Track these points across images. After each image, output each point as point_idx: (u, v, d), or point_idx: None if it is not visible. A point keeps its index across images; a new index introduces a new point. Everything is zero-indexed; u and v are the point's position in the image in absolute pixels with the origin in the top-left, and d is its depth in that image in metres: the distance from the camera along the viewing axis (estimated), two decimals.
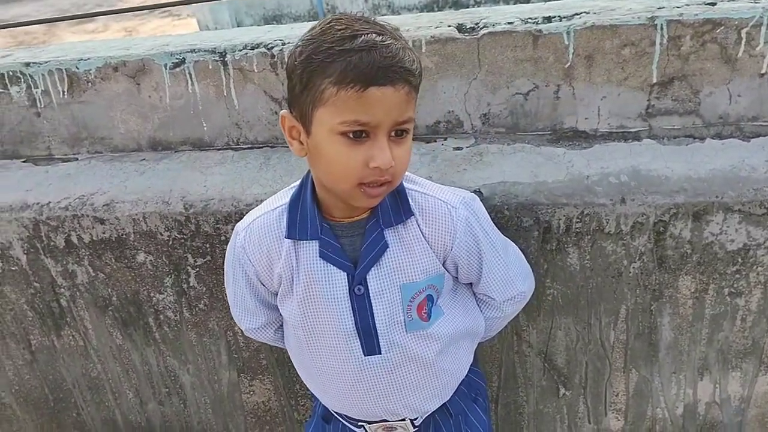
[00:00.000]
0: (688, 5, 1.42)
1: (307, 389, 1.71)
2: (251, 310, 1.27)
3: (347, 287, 1.13)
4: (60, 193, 1.65)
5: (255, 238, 1.17)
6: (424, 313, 1.16)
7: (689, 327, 1.49)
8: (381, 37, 0.93)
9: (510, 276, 1.23)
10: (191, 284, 1.63)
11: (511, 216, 1.40)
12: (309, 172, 1.13)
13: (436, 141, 1.59)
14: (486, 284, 1.21)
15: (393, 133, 0.98)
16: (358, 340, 1.15)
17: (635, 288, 1.46)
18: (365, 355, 1.16)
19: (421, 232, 1.13)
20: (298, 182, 1.17)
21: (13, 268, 1.69)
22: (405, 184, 1.14)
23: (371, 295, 1.13)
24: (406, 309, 1.14)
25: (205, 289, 1.63)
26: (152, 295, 1.67)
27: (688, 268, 1.42)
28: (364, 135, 0.96)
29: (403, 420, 1.24)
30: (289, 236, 1.13)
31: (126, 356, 1.79)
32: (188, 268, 1.60)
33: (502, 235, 1.26)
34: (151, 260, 1.61)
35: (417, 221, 1.12)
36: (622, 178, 1.40)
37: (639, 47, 1.42)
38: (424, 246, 1.13)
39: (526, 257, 1.41)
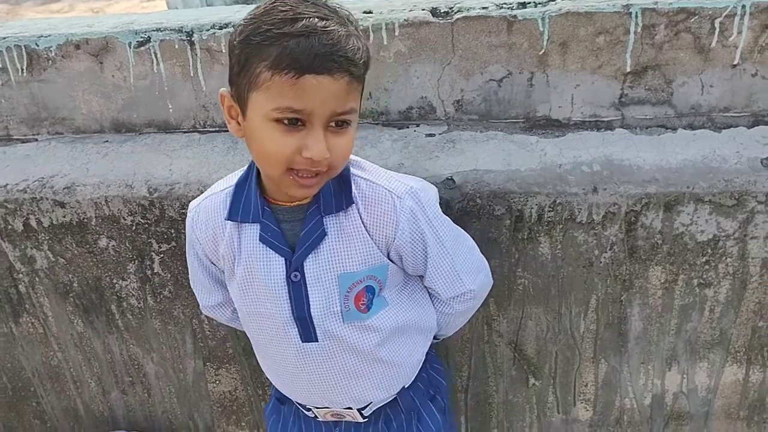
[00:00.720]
0: None
1: None
2: (206, 287, 1.27)
3: (284, 273, 1.10)
4: (18, 175, 1.59)
5: (202, 218, 1.17)
6: (362, 304, 1.13)
7: (658, 317, 1.49)
8: (324, 23, 0.90)
9: (457, 272, 1.18)
10: (155, 271, 1.58)
11: (483, 204, 1.38)
12: None
13: (408, 127, 1.57)
14: (431, 279, 1.18)
15: (333, 124, 0.95)
16: (295, 326, 1.13)
17: (606, 278, 1.45)
18: (302, 342, 1.14)
19: (362, 222, 1.09)
20: (248, 164, 1.14)
21: None
22: (352, 170, 1.10)
23: (307, 282, 1.10)
24: (344, 299, 1.12)
25: (169, 275, 1.59)
26: (115, 281, 1.62)
27: (658, 259, 1.42)
28: (299, 123, 0.93)
29: (349, 408, 1.23)
30: (229, 218, 1.11)
31: (87, 344, 1.74)
32: (152, 254, 1.56)
33: (455, 228, 1.21)
34: (113, 245, 1.57)
35: (359, 210, 1.09)
36: (595, 167, 1.39)
37: (613, 35, 1.40)
38: (364, 236, 1.10)
39: (497, 246, 1.39)
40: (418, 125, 1.57)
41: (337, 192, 1.08)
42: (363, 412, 1.24)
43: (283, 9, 0.91)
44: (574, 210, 1.38)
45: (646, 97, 1.46)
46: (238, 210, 1.11)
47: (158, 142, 1.65)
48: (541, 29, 1.42)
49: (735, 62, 1.41)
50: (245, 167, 1.15)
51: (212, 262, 1.21)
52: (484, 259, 1.28)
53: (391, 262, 1.14)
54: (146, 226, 1.53)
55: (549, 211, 1.38)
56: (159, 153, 1.60)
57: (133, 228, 1.53)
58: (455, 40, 1.46)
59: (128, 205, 1.51)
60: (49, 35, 1.60)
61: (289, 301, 1.12)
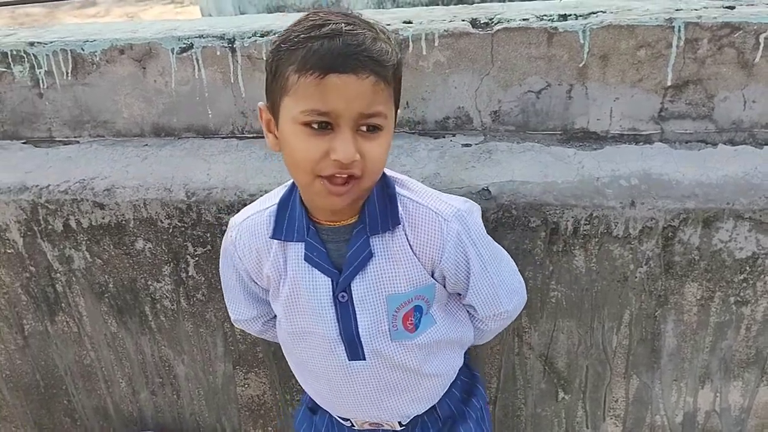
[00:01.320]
0: (706, 8, 1.40)
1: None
2: (242, 302, 1.26)
3: (331, 293, 1.10)
4: (60, 176, 1.62)
5: (245, 236, 1.15)
6: (410, 323, 1.13)
7: (693, 334, 1.48)
8: (350, 27, 0.90)
9: (497, 293, 1.18)
10: (190, 273, 1.60)
11: (518, 215, 1.38)
12: None
13: (444, 137, 1.57)
14: (471, 298, 1.17)
15: (364, 128, 0.94)
16: (342, 345, 1.13)
17: (640, 293, 1.44)
18: (349, 360, 1.13)
19: (408, 243, 1.08)
20: (290, 181, 1.13)
21: (9, 251, 1.66)
22: (397, 189, 1.09)
23: (355, 303, 1.10)
24: (392, 319, 1.11)
25: (203, 279, 1.60)
26: (149, 283, 1.64)
27: (694, 275, 1.40)
28: (328, 127, 0.92)
29: (389, 423, 1.23)
30: (274, 236, 1.10)
31: (120, 344, 1.76)
32: (188, 257, 1.58)
33: (497, 248, 1.21)
34: (150, 248, 1.59)
35: (405, 231, 1.08)
36: (633, 181, 1.38)
37: (655, 49, 1.40)
38: (411, 257, 1.09)
39: (531, 258, 1.39)
40: (454, 135, 1.58)
41: (383, 212, 1.07)
42: (401, 421, 1.24)
43: (314, 18, 0.92)
44: (611, 224, 1.37)
45: (687, 111, 1.45)
46: (282, 229, 1.10)
47: (197, 147, 1.67)
48: (582, 41, 1.42)
49: None
50: (286, 185, 1.15)
51: (254, 281, 1.20)
52: (522, 279, 1.27)
53: (435, 282, 1.14)
54: (183, 229, 1.54)
55: (585, 224, 1.38)
56: (197, 158, 1.62)
57: (170, 231, 1.55)
58: (494, 51, 1.46)
59: (166, 209, 1.53)
60: (95, 40, 1.63)
61: (336, 320, 1.11)
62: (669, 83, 1.43)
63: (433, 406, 1.26)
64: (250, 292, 1.24)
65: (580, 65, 1.44)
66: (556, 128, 1.52)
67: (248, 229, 1.15)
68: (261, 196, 1.45)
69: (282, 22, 1.63)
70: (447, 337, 1.19)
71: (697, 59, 1.39)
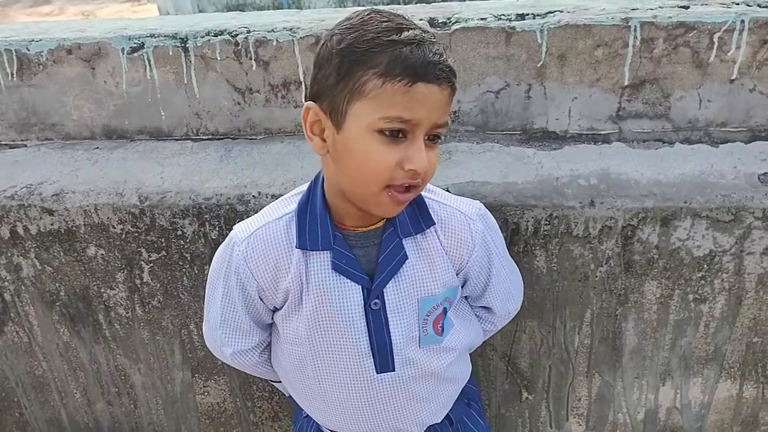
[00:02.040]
0: (661, 8, 1.41)
1: (265, 390, 1.66)
2: (244, 329, 1.16)
3: (362, 302, 1.06)
4: (6, 182, 1.56)
5: (260, 249, 1.07)
6: (440, 326, 1.12)
7: (653, 332, 1.49)
8: (426, 34, 0.89)
9: (511, 291, 1.22)
10: (144, 280, 1.56)
11: None
12: (318, 177, 1.06)
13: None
14: (490, 298, 1.19)
15: (427, 137, 0.92)
16: (371, 357, 1.09)
17: (601, 292, 1.44)
18: (378, 373, 1.10)
19: (440, 243, 1.08)
20: (302, 188, 1.09)
21: None
22: (422, 193, 1.07)
23: (388, 309, 1.06)
24: (422, 323, 1.09)
25: (159, 285, 1.56)
26: (103, 290, 1.59)
27: (654, 273, 1.41)
28: (400, 135, 0.90)
29: None
30: (300, 246, 1.04)
31: (73, 354, 1.71)
32: (142, 263, 1.53)
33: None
34: (102, 254, 1.54)
35: (437, 231, 1.07)
36: (592, 180, 1.38)
37: (612, 48, 1.40)
38: (443, 257, 1.08)
39: None
40: None
41: (412, 214, 1.05)
42: None
43: (383, 20, 0.88)
44: (571, 223, 1.37)
45: (644, 110, 1.46)
46: (305, 237, 1.04)
47: (150, 150, 1.62)
48: (540, 41, 1.41)
49: (733, 77, 1.41)
50: (296, 193, 1.10)
51: (262, 299, 1.12)
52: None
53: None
54: (136, 234, 1.50)
55: (545, 225, 1.37)
56: (150, 160, 1.58)
57: (123, 237, 1.51)
58: (452, 50, 1.45)
59: (118, 213, 1.48)
60: (41, 39, 1.58)
61: (367, 330, 1.07)
62: (626, 83, 1.43)
63: (447, 413, 1.25)
64: (254, 315, 1.15)
65: (539, 65, 1.44)
66: (515, 128, 1.52)
67: (263, 241, 1.07)
68: (216, 199, 1.43)
69: (238, 21, 1.60)
70: (466, 339, 1.20)
71: (653, 59, 1.40)
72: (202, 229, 1.46)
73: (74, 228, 1.51)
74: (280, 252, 1.06)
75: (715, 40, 1.37)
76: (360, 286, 1.05)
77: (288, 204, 1.09)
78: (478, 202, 1.15)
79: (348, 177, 0.96)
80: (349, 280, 1.05)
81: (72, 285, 1.59)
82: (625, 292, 1.44)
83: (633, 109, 1.46)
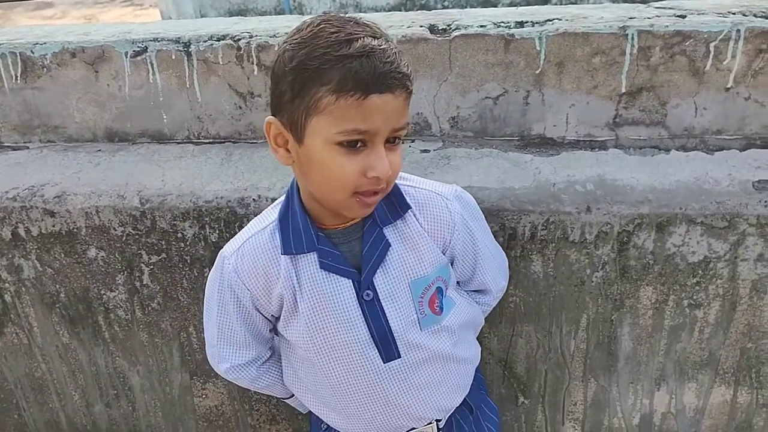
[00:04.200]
0: (658, 17, 1.43)
1: (263, 394, 1.67)
2: (240, 342, 1.18)
3: (355, 295, 1.07)
4: (8, 183, 1.57)
5: (248, 260, 1.10)
6: (437, 306, 1.13)
7: (648, 337, 1.50)
8: (377, 41, 0.89)
9: (501, 266, 1.26)
10: (144, 282, 1.57)
11: None
12: (293, 184, 1.08)
13: (403, 143, 1.57)
14: (481, 275, 1.21)
15: (387, 141, 0.94)
16: (374, 347, 1.10)
17: (597, 297, 1.46)
18: (384, 362, 1.11)
19: (420, 226, 1.09)
20: (281, 199, 1.12)
21: None
22: (396, 181, 1.09)
23: (381, 298, 1.08)
24: (418, 305, 1.11)
25: (158, 287, 1.57)
26: (103, 292, 1.60)
27: (649, 279, 1.42)
28: (360, 144, 0.91)
29: (429, 424, 1.21)
30: (285, 252, 1.06)
31: (73, 356, 1.71)
32: (142, 265, 1.54)
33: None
34: (102, 256, 1.55)
35: (415, 215, 1.09)
36: (588, 186, 1.40)
37: (609, 56, 1.42)
38: (426, 239, 1.10)
39: None
40: (413, 141, 1.58)
41: (388, 202, 1.07)
42: (439, 423, 1.22)
43: (333, 31, 0.88)
44: (567, 229, 1.38)
45: (640, 118, 1.48)
46: (290, 242, 1.06)
47: (151, 153, 1.63)
48: (538, 48, 1.43)
49: (728, 85, 1.42)
50: (275, 204, 1.13)
51: (258, 310, 1.14)
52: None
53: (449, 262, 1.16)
54: (137, 237, 1.51)
55: (542, 230, 1.39)
56: (152, 163, 1.59)
57: (123, 239, 1.52)
58: (452, 57, 1.47)
59: (119, 216, 1.49)
60: (45, 42, 1.59)
61: (364, 322, 1.08)
62: (623, 90, 1.45)
63: (465, 397, 1.26)
64: (251, 327, 1.17)
65: (537, 72, 1.46)
66: (513, 134, 1.54)
67: (250, 252, 1.10)
68: (217, 202, 1.44)
69: (240, 26, 1.61)
70: (468, 316, 1.21)
71: (650, 67, 1.42)
72: (203, 232, 1.47)
73: (75, 230, 1.52)
74: (268, 260, 1.09)
75: (711, 48, 1.39)
76: (350, 280, 1.07)
77: (270, 215, 1.12)
78: (455, 184, 1.18)
79: (315, 185, 0.99)
80: (338, 276, 1.07)
81: (72, 287, 1.60)
82: (621, 297, 1.45)
83: (630, 117, 1.48)
